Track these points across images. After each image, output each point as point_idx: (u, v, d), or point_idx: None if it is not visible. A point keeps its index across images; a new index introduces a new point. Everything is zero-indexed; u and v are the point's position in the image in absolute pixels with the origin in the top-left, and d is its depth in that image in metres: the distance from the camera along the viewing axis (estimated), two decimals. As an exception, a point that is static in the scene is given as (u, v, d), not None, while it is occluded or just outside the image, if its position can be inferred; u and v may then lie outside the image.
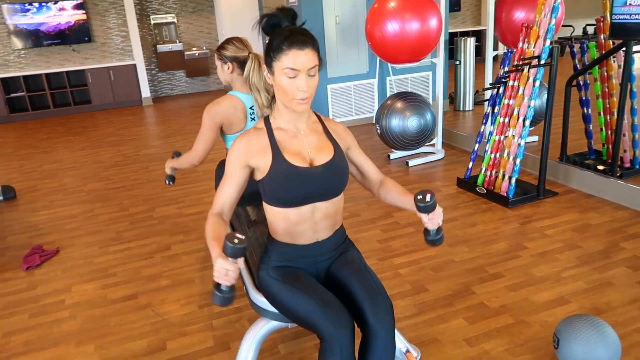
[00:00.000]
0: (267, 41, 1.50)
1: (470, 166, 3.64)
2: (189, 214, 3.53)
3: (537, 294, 2.29)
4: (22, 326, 2.34)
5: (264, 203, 1.58)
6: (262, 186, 1.53)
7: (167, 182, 2.58)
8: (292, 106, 1.43)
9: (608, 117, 3.65)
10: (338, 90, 5.64)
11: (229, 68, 2.36)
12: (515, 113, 3.26)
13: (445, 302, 2.27)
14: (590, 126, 3.83)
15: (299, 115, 1.52)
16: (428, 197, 1.41)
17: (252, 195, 2.50)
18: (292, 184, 1.47)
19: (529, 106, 3.16)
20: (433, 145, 4.49)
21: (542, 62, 3.08)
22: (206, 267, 2.76)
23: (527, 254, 2.66)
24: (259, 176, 1.52)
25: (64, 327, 2.30)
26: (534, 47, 3.17)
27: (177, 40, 8.74)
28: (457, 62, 6.08)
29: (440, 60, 4.28)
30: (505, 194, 3.29)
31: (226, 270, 1.24)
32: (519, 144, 3.22)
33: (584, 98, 3.76)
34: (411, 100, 4.11)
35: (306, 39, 1.39)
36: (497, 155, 3.41)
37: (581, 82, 3.72)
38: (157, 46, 8.55)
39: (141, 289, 2.59)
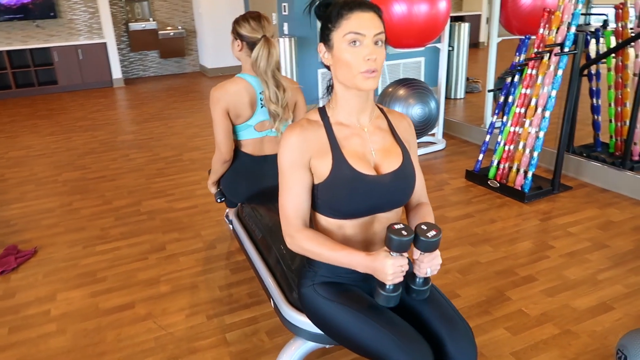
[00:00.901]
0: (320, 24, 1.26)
1: (480, 158, 3.47)
2: (181, 209, 3.23)
3: (576, 300, 2.13)
4: (1, 343, 2.02)
5: (312, 211, 1.34)
6: (314, 193, 1.28)
7: (217, 201, 2.42)
8: (358, 83, 1.19)
9: (619, 109, 3.54)
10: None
11: (238, 45, 2.10)
12: (532, 103, 3.09)
13: (480, 310, 2.09)
14: (599, 117, 3.71)
15: (364, 105, 1.28)
16: (432, 232, 1.14)
17: (264, 193, 2.26)
18: (355, 195, 1.23)
19: (549, 96, 2.99)
20: (434, 135, 4.30)
21: (566, 49, 2.91)
22: (209, 270, 2.50)
23: (555, 254, 2.51)
24: (314, 181, 1.28)
25: (53, 344, 2.00)
26: (556, 33, 2.99)
27: (151, 19, 8.23)
28: (450, 49, 5.90)
29: (444, 45, 4.08)
30: (520, 189, 3.13)
31: (401, 267, 1.13)
32: (537, 136, 3.06)
33: (594, 88, 3.64)
34: (414, 87, 3.90)
35: (368, 3, 1.19)
36: (512, 147, 3.25)
37: (592, 72, 3.59)
38: (129, 24, 8.03)
39: (138, 296, 2.31)
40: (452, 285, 2.28)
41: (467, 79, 6.16)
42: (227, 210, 2.93)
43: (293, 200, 1.25)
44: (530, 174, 3.09)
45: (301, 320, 1.49)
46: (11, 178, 3.95)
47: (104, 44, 7.53)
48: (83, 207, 3.33)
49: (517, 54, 3.38)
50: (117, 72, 7.75)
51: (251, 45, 2.04)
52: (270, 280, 1.72)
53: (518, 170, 3.18)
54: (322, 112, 1.30)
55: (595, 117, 3.72)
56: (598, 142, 3.76)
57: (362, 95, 1.26)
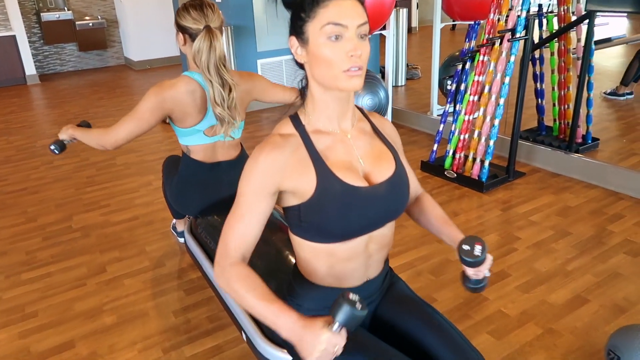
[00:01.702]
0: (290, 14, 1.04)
1: (435, 148, 3.40)
2: (119, 222, 2.89)
3: (551, 294, 2.09)
4: None
5: (293, 236, 1.14)
6: (295, 215, 1.08)
7: (52, 148, 1.96)
8: (340, 83, 0.99)
9: (562, 92, 3.59)
10: (268, 66, 5.12)
11: (181, 39, 1.84)
12: (486, 90, 3.04)
13: (461, 314, 1.99)
14: (543, 102, 3.75)
15: (345, 108, 1.09)
16: (478, 250, 1.07)
17: (220, 204, 2.02)
18: (348, 212, 1.04)
19: (503, 83, 2.95)
20: (382, 124, 4.19)
21: (518, 35, 2.87)
22: (159, 293, 2.22)
23: (522, 245, 2.46)
24: (292, 201, 1.07)
25: (-24, 404, 1.68)
26: (507, 18, 2.94)
27: (65, 8, 7.51)
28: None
29: (390, 32, 3.96)
30: (477, 178, 3.09)
31: (335, 348, 0.88)
32: (493, 124, 3.01)
33: (537, 72, 3.66)
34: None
35: None
36: (467, 136, 3.19)
37: (536, 56, 3.61)
38: (41, 14, 7.28)
39: (78, 332, 2.00)
40: (427, 288, 2.16)
41: (407, 65, 6.13)
42: (174, 221, 2.66)
43: (241, 230, 1.04)
44: (487, 163, 3.05)
45: (281, 357, 1.30)
46: None
47: (13, 36, 6.78)
48: (2, 227, 2.91)
49: (467, 40, 3.31)
50: (30, 68, 7.03)
51: (194, 37, 1.79)
52: (241, 310, 1.51)
53: (474, 159, 3.13)
54: (295, 120, 1.10)
55: (539, 101, 3.76)
56: (542, 126, 3.81)
57: (344, 96, 1.07)
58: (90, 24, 7.65)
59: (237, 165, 2.02)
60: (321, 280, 1.15)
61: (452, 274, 2.25)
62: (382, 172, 1.10)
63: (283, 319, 0.93)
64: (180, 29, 1.81)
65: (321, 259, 1.11)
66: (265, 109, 5.12)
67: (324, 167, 1.04)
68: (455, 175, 3.20)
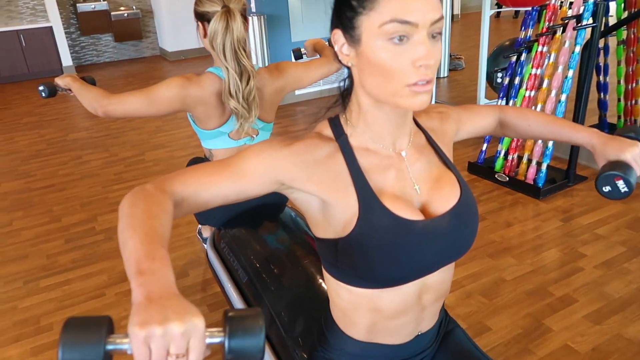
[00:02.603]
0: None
1: (484, 148, 3.09)
2: (144, 224, 2.73)
3: (629, 327, 1.79)
4: None
5: (326, 274, 0.91)
6: (330, 251, 0.85)
7: (40, 89, 1.72)
8: (400, 101, 0.75)
9: (630, 86, 3.20)
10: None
11: (202, 30, 1.61)
12: (544, 85, 2.71)
13: (520, 348, 1.72)
14: (606, 96, 3.37)
15: (402, 124, 0.84)
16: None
17: (246, 216, 1.82)
18: (400, 253, 0.80)
19: (565, 77, 2.61)
20: (424, 120, 3.90)
21: (585, 22, 2.52)
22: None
23: (588, 264, 2.15)
24: (327, 231, 0.84)
25: None
26: (570, 4, 2.60)
27: (101, -2, 7.48)
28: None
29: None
30: (533, 183, 2.77)
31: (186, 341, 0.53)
32: (552, 123, 2.68)
33: (601, 64, 3.29)
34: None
35: None
36: (521, 135, 2.87)
37: (600, 46, 3.23)
38: (77, 5, 7.26)
39: (93, 350, 1.84)
40: (479, 314, 1.90)
41: (450, 55, 5.77)
42: (200, 226, 2.48)
43: (208, 176, 0.76)
44: (544, 166, 2.73)
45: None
46: (-61, 192, 3.35)
47: (50, 28, 6.78)
48: (26, 227, 2.80)
49: (523, 28, 2.98)
50: (67, 59, 7.03)
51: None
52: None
53: (530, 161, 2.81)
54: (336, 127, 0.85)
55: (602, 95, 3.38)
56: (605, 123, 3.43)
57: (401, 112, 0.82)
58: (126, 15, 7.59)
59: (265, 171, 1.80)
60: (361, 336, 0.92)
61: (506, 296, 1.98)
62: (444, 200, 0.85)
63: (144, 277, 0.57)
64: (199, 17, 1.59)
65: (361, 312, 0.88)
66: (300, 102, 4.89)
67: (368, 192, 0.80)
68: (508, 178, 2.89)
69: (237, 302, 1.49)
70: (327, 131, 0.85)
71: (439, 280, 0.89)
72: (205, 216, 1.88)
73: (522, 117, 1.07)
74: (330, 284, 0.91)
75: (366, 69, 0.76)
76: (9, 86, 6.55)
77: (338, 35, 0.78)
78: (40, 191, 3.27)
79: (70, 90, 1.73)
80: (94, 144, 4.14)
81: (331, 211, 0.81)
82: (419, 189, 0.85)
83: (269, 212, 1.74)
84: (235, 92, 1.56)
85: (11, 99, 5.89)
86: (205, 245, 2.42)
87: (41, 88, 1.74)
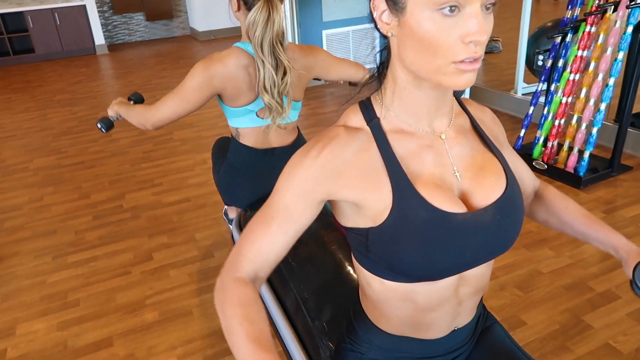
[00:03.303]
0: None
1: (521, 134, 2.95)
2: (170, 203, 2.72)
3: (676, 327, 1.67)
4: (-59, 403, 1.57)
5: (357, 264, 0.84)
6: (360, 241, 0.78)
7: (98, 127, 1.77)
8: (444, 79, 0.67)
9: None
10: (334, 37, 4.77)
11: (235, 4, 1.55)
12: (591, 68, 2.55)
13: (557, 345, 1.63)
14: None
15: (441, 103, 0.76)
16: None
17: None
18: (436, 247, 0.73)
19: (615, 59, 2.45)
20: (459, 104, 3.76)
21: (639, 0, 2.35)
22: (205, 289, 2.02)
23: (632, 259, 2.03)
24: (356, 220, 0.77)
25: (5, 405, 1.55)
26: (624, -20, 2.42)
27: (134, -23, 7.48)
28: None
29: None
30: (574, 171, 2.63)
31: None
32: (598, 108, 2.53)
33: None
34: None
35: None
36: (563, 121, 2.72)
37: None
38: (110, -17, 7.30)
39: (117, 328, 1.84)
40: (513, 307, 1.81)
41: (492, 38, 5.55)
42: (226, 207, 2.45)
43: (265, 239, 0.76)
44: (587, 154, 2.58)
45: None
46: (-25, 166, 3.42)
47: (83, 6, 6.83)
48: (55, 203, 2.83)
49: (570, 7, 2.80)
50: (99, 38, 7.08)
51: (250, 5, 1.50)
52: (288, 332, 1.25)
53: (571, 148, 2.66)
54: (367, 110, 0.78)
55: (652, 80, 3.17)
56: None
57: (442, 90, 0.74)
58: (157, -7, 7.58)
59: (292, 152, 1.71)
60: (393, 329, 0.85)
61: (543, 290, 1.88)
62: (488, 191, 0.77)
63: None
64: None
65: (395, 303, 0.81)
66: (329, 85, 4.80)
67: (404, 181, 0.73)
68: (546, 166, 2.75)
69: (263, 287, 1.44)
70: (357, 117, 0.78)
71: (478, 273, 0.82)
72: (231, 197, 1.84)
73: (562, 197, 0.97)
74: (360, 273, 0.85)
75: (408, 41, 0.68)
76: (45, 64, 6.66)
77: (379, 1, 0.70)
78: (71, 168, 3.30)
79: (120, 116, 1.76)
80: (124, 122, 4.12)
81: (363, 205, 0.74)
82: (459, 175, 0.78)
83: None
84: (271, 86, 1.51)
85: (46, 76, 5.98)
86: (231, 227, 2.39)
87: (99, 125, 1.79)
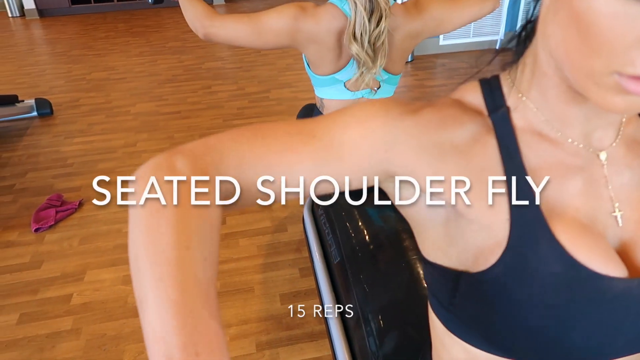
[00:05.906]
0: None
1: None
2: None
3: None
4: (6, 336, 1.60)
5: (434, 317, 0.60)
6: (446, 287, 0.54)
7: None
8: (593, 91, 0.40)
9: None
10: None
11: None
12: None
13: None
14: None
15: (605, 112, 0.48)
16: None
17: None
18: (573, 321, 0.46)
19: None
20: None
21: None
22: (272, 265, 1.89)
23: None
24: (444, 256, 0.52)
25: (59, 350, 1.54)
26: None
27: None
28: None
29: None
30: None
31: None
32: None
33: None
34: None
35: None
36: None
37: None
38: None
39: (177, 292, 1.77)
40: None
41: None
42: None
43: (284, 155, 0.47)
44: None
45: None
46: (84, 104, 3.58)
47: (205, -45, 6.90)
48: (147, 150, 2.85)
49: None
50: (217, -13, 7.16)
51: None
52: (341, 342, 1.05)
53: None
54: (492, 94, 0.51)
55: None
56: None
57: None
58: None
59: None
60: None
61: None
62: None
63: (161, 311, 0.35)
64: None
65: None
66: (442, 54, 4.37)
67: (533, 209, 0.47)
68: None
69: (324, 285, 1.26)
70: (476, 98, 0.52)
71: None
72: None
73: None
74: (436, 328, 0.61)
75: (560, 12, 0.40)
76: (165, 11, 6.87)
77: None
78: (167, 116, 3.33)
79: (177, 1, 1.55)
80: (225, 75, 4.12)
81: (462, 227, 0.49)
82: (620, 217, 0.49)
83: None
84: (361, 34, 1.24)
85: (164, 22, 6.17)
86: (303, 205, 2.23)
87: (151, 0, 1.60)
